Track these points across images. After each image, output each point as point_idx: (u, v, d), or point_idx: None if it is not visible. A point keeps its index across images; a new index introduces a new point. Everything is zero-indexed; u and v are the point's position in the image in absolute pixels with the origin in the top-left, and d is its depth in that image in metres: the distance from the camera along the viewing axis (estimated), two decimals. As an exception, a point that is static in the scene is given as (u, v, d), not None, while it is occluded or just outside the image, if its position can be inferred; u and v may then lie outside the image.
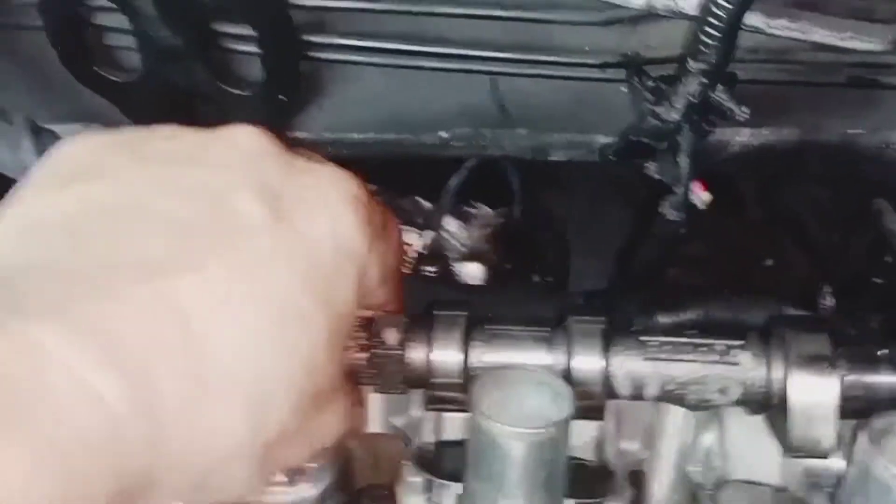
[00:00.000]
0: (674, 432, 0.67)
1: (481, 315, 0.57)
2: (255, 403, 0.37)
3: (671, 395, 0.55)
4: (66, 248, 0.37)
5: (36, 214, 0.40)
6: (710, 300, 0.77)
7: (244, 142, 0.43)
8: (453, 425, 0.68)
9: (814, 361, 0.53)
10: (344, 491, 0.64)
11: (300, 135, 0.78)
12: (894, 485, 0.48)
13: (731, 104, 0.53)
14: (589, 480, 0.64)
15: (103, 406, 0.33)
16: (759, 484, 0.64)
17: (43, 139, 0.63)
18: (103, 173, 0.41)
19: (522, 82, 0.74)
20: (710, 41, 0.51)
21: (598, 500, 0.62)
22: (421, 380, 0.55)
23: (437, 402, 0.56)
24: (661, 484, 0.68)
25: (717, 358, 0.55)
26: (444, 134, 0.78)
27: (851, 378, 0.54)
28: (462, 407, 0.55)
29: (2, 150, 0.62)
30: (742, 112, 0.52)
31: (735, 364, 0.55)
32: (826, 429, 0.53)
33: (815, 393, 0.53)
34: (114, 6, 0.68)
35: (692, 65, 0.53)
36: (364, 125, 0.78)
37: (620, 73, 0.71)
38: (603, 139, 0.77)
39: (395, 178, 1.20)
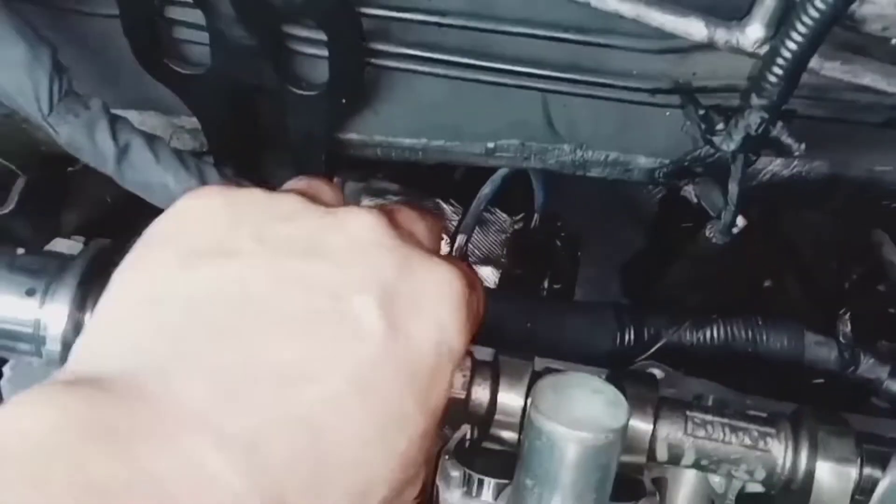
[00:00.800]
0: (699, 443, 0.70)
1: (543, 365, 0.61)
2: (362, 496, 0.41)
3: (703, 468, 0.60)
4: (202, 340, 0.40)
5: (164, 290, 0.42)
6: (732, 321, 0.80)
7: (364, 233, 0.46)
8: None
9: (838, 461, 0.58)
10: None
11: (352, 136, 0.81)
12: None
13: (789, 140, 0.56)
14: (619, 483, 0.67)
15: None
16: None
17: (118, 126, 0.65)
18: (227, 254, 0.43)
19: (571, 101, 0.77)
20: (774, 79, 0.55)
21: (632, 503, 0.65)
22: (481, 422, 0.58)
23: (491, 441, 0.59)
24: (682, 492, 0.72)
25: (750, 443, 0.60)
26: (490, 144, 0.81)
27: (867, 473, 0.59)
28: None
29: (79, 135, 0.64)
30: (800, 148, 0.56)
31: (766, 451, 0.60)
32: None
33: (833, 491, 0.58)
34: (187, 0, 0.70)
35: (755, 100, 0.56)
36: (416, 131, 0.81)
37: (666, 99, 0.74)
38: (643, 160, 0.80)
39: (421, 179, 1.24)
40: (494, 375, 0.59)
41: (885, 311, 0.91)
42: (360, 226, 0.46)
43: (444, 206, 1.24)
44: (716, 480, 0.70)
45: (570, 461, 0.52)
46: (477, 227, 1.19)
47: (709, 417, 0.61)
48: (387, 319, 0.43)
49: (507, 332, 0.78)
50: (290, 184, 0.53)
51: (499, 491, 0.64)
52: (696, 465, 0.60)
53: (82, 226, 0.93)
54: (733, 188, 0.61)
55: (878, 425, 0.67)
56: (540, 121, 0.79)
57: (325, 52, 0.70)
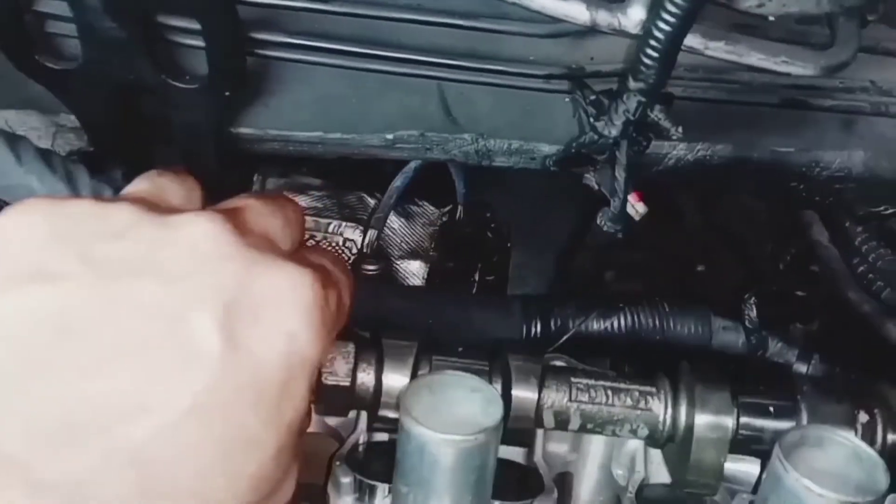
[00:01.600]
0: (601, 437, 0.69)
1: (429, 344, 0.60)
2: None
3: (590, 430, 0.59)
4: (18, 378, 0.37)
5: None
6: (642, 308, 0.79)
7: (202, 243, 0.43)
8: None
9: (716, 413, 0.60)
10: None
11: (246, 131, 0.78)
12: (804, 495, 0.51)
13: (667, 123, 0.54)
14: (517, 481, 0.66)
15: None
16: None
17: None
18: (49, 278, 0.40)
19: (469, 89, 0.75)
20: (649, 61, 0.53)
21: (526, 501, 0.63)
22: (369, 406, 0.56)
23: (381, 423, 0.58)
24: (587, 486, 0.71)
25: (632, 404, 0.60)
26: (389, 136, 0.79)
27: (744, 421, 0.62)
28: None
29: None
30: (677, 131, 0.54)
31: (647, 410, 0.61)
32: (716, 471, 0.59)
33: (711, 440, 0.60)
34: (56, -7, 0.66)
35: (632, 83, 0.55)
36: (310, 124, 0.78)
37: (565, 85, 0.72)
38: (546, 148, 0.78)
39: (341, 172, 1.21)
40: (379, 358, 0.57)
41: (793, 293, 0.90)
42: (198, 235, 0.43)
43: (369, 199, 1.22)
44: (619, 473, 0.69)
45: (442, 464, 0.50)
46: (404, 221, 1.17)
47: (592, 382, 0.62)
48: (226, 336, 0.40)
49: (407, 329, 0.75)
50: (133, 185, 0.49)
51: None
52: (583, 428, 0.61)
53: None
54: (620, 175, 0.60)
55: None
56: (438, 110, 0.76)
57: (203, 43, 0.67)
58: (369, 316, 0.75)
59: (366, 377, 0.57)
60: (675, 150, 0.77)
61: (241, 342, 0.41)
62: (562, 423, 0.59)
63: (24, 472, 0.35)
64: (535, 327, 0.77)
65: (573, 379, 0.61)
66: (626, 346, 0.77)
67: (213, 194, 0.78)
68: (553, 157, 0.66)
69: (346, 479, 0.62)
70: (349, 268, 0.50)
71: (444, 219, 1.24)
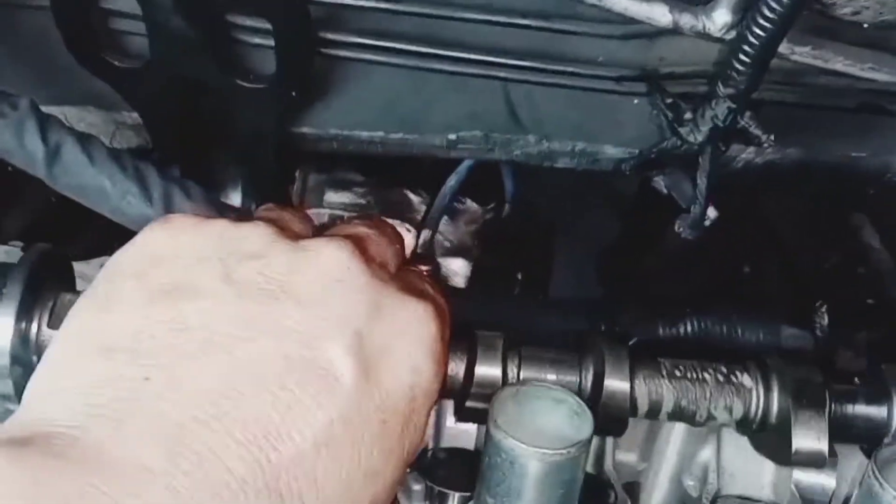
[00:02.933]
0: (672, 446, 0.68)
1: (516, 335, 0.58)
2: None
3: (684, 413, 0.57)
4: (161, 393, 0.38)
5: (123, 335, 0.40)
6: (707, 316, 0.78)
7: (334, 270, 0.44)
8: (451, 433, 0.68)
9: (806, 386, 0.58)
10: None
11: (305, 130, 0.77)
12: (898, 513, 0.49)
13: (757, 130, 0.53)
14: (589, 491, 0.65)
15: None
16: (753, 500, 0.65)
17: (48, 126, 0.61)
18: (193, 294, 0.41)
19: (535, 90, 0.74)
20: (741, 67, 0.51)
21: (599, 512, 0.62)
22: (457, 396, 0.55)
23: (467, 414, 0.57)
24: (657, 496, 0.69)
25: (723, 378, 0.58)
26: (452, 136, 0.78)
27: (836, 407, 0.59)
28: None
29: (6, 137, 0.59)
30: (769, 139, 0.53)
31: (740, 384, 0.59)
32: (822, 443, 0.56)
33: (810, 413, 0.57)
34: (124, -10, 0.65)
35: (722, 89, 0.53)
36: (372, 124, 0.77)
37: (633, 86, 0.71)
38: (611, 150, 0.76)
39: (387, 168, 1.20)
40: (471, 348, 0.56)
41: (863, 301, 0.89)
42: (330, 263, 0.44)
43: (412, 196, 1.21)
44: (690, 484, 0.68)
45: (532, 478, 0.49)
46: (447, 218, 1.16)
47: (681, 362, 0.60)
48: (358, 369, 0.41)
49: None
50: (259, 213, 0.51)
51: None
52: (676, 413, 0.58)
53: (24, 229, 0.88)
54: (702, 181, 0.58)
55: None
56: (502, 111, 0.75)
57: (272, 42, 0.66)
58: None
59: (456, 366, 0.56)
60: (745, 153, 0.76)
61: (371, 374, 0.41)
62: (655, 407, 0.57)
63: (167, 491, 0.35)
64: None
65: (663, 360, 0.59)
66: (692, 353, 0.76)
67: (271, 193, 0.77)
68: (631, 162, 0.64)
69: (418, 487, 0.62)
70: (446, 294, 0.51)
71: (488, 217, 1.24)
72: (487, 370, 0.56)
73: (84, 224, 0.90)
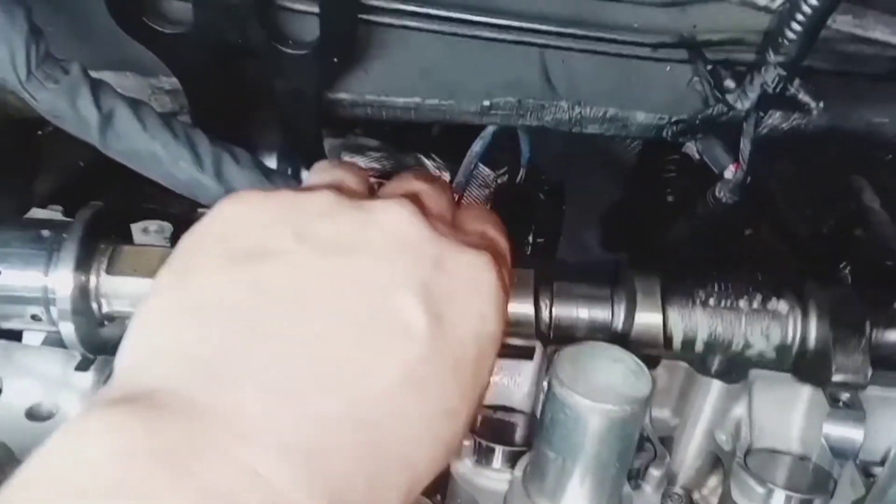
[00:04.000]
0: (706, 403, 0.70)
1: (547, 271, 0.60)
2: (410, 487, 0.41)
3: (719, 343, 0.59)
4: (252, 346, 0.40)
5: (210, 295, 0.42)
6: (731, 277, 0.80)
7: (400, 227, 0.46)
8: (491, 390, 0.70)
9: (844, 307, 0.59)
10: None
11: (342, 96, 0.78)
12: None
13: (806, 97, 0.55)
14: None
15: None
16: (783, 453, 0.68)
17: (100, 92, 0.61)
18: (271, 255, 0.43)
19: (570, 56, 0.75)
20: (793, 35, 0.53)
21: (639, 465, 0.65)
22: None
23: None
24: (689, 450, 0.72)
25: (759, 306, 0.60)
26: (486, 102, 0.79)
27: (877, 333, 0.60)
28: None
29: (59, 102, 0.60)
30: (818, 107, 0.54)
31: (776, 311, 0.60)
32: (864, 362, 0.57)
33: (849, 333, 0.58)
34: (166, -45, 0.65)
35: (772, 57, 0.55)
36: (408, 90, 0.77)
37: (668, 53, 0.72)
38: (642, 116, 0.78)
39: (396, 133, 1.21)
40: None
41: (883, 264, 0.91)
42: (395, 220, 0.46)
43: (426, 161, 1.22)
44: (722, 438, 0.71)
45: (595, 433, 0.51)
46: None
47: (715, 289, 0.61)
48: (431, 315, 0.43)
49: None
50: (315, 172, 0.53)
51: (511, 459, 0.64)
52: (712, 341, 0.59)
53: (56, 192, 0.88)
54: (746, 146, 0.60)
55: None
56: (538, 78, 0.76)
57: (316, 9, 0.67)
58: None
59: None
60: (771, 118, 0.78)
61: (442, 320, 0.43)
62: (689, 338, 0.58)
63: (269, 436, 0.36)
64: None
65: (696, 290, 0.60)
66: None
67: (311, 158, 0.77)
68: (673, 128, 0.65)
69: (466, 442, 0.64)
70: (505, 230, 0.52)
71: (500, 181, 1.25)
72: (519, 306, 0.58)
73: (110, 189, 0.91)
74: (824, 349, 0.56)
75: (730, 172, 0.70)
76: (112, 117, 0.61)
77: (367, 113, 0.80)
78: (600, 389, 0.51)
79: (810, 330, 0.59)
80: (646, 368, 0.53)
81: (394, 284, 0.43)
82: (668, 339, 0.59)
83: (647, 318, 0.59)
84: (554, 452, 0.53)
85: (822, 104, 0.55)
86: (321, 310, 0.41)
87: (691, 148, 0.73)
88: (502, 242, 0.52)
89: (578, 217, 1.38)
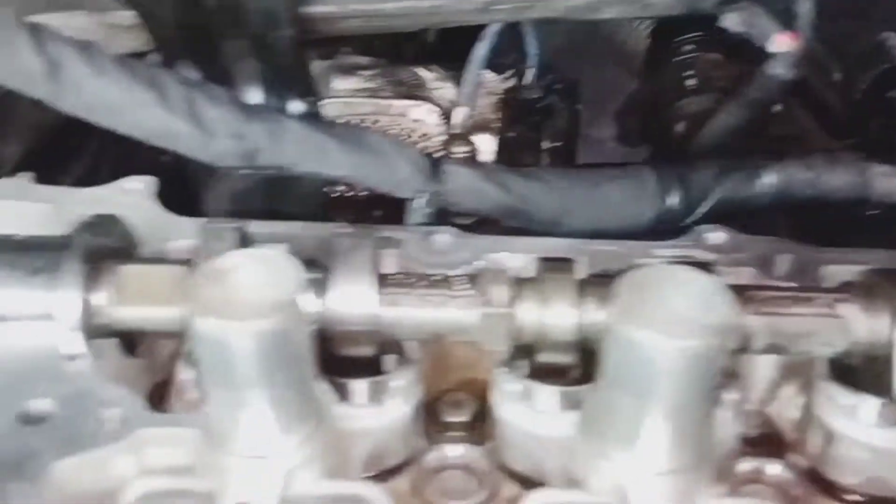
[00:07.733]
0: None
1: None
2: None
3: (777, 348, 0.51)
4: None
5: None
6: (790, 164, 0.71)
7: None
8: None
9: None
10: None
11: (321, 10, 0.68)
12: None
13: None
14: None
15: None
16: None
17: (42, 39, 0.52)
18: None
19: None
20: None
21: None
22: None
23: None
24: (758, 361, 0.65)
25: (824, 311, 0.52)
26: (487, -4, 0.69)
27: None
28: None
29: (-4, 56, 0.51)
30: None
31: (841, 317, 0.53)
32: None
33: None
34: None
35: None
36: (399, -7, 0.68)
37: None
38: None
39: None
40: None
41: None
42: None
43: (425, 72, 1.11)
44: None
45: (671, 374, 0.43)
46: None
47: (772, 294, 0.54)
48: None
49: (538, 215, 0.68)
50: None
51: (565, 401, 0.57)
52: (770, 347, 0.53)
53: (24, 156, 0.80)
54: (804, 6, 0.50)
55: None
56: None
57: None
58: (499, 204, 0.67)
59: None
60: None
61: None
62: (745, 340, 0.51)
63: None
64: (674, 197, 0.69)
65: (754, 293, 0.52)
66: (776, 206, 0.70)
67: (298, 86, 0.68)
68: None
69: (514, 387, 0.57)
70: None
71: (507, 86, 1.15)
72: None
73: (78, 152, 0.82)
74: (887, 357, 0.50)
75: (781, 44, 0.60)
76: (59, 66, 0.52)
77: (354, 27, 0.71)
78: (672, 319, 0.43)
79: (876, 340, 0.53)
80: (722, 285, 0.44)
81: None
82: None
83: None
84: (619, 391, 0.46)
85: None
86: None
87: (731, 19, 0.63)
88: None
89: (590, 113, 1.29)
